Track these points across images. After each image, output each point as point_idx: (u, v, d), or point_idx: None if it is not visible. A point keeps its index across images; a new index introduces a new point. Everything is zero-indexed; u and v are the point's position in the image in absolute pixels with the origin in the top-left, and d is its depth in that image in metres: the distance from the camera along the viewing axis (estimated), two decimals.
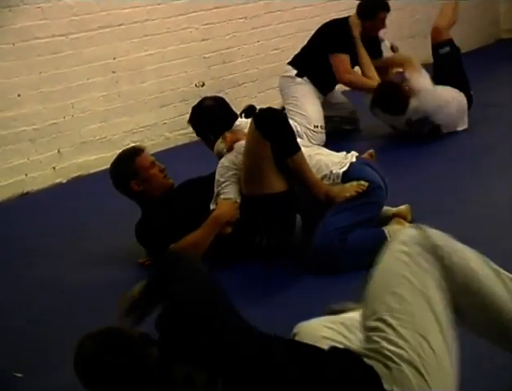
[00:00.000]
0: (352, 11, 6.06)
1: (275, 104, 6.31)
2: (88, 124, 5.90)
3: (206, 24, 6.70)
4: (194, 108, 4.35)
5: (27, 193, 5.53)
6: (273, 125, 3.73)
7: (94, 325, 2.31)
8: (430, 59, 6.21)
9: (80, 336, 2.15)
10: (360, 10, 6.01)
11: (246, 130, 3.94)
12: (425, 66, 6.32)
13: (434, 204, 4.36)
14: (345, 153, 4.05)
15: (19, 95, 5.45)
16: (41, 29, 5.54)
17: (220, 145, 4.10)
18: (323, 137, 5.92)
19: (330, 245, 3.73)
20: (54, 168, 5.71)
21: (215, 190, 3.96)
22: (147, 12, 6.24)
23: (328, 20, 6.21)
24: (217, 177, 3.98)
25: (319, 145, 5.48)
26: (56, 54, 5.65)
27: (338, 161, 3.96)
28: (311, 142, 5.50)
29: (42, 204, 5.29)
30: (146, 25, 6.23)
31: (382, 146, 5.66)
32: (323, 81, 6.03)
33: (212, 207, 3.93)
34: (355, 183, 3.82)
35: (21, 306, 3.70)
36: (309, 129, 5.89)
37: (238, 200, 3.90)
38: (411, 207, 4.08)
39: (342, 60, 5.90)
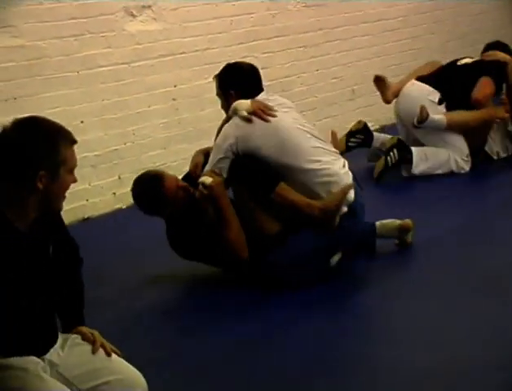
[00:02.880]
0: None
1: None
2: (148, 150, 5.97)
3: (266, 53, 6.75)
4: (227, 64, 4.49)
5: (88, 218, 5.61)
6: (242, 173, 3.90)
7: (147, 348, 2.31)
8: None
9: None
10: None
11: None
12: None
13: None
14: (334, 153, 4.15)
15: (82, 122, 5.55)
16: (105, 57, 5.64)
17: (242, 105, 4.09)
18: (470, 164, 6.05)
19: None
20: (114, 193, 5.79)
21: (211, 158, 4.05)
22: (208, 41, 6.32)
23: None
24: (219, 142, 4.05)
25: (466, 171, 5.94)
26: (119, 81, 5.75)
27: (342, 166, 4.05)
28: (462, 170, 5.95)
29: (103, 229, 5.36)
30: (206, 54, 6.30)
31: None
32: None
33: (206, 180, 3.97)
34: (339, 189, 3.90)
35: None
36: (463, 159, 6.03)
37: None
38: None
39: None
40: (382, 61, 7.72)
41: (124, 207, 5.79)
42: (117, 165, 5.79)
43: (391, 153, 5.88)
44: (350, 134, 6.23)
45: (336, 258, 4.17)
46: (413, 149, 5.96)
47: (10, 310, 2.40)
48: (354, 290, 4.01)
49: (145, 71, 5.90)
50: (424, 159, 5.95)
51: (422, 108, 5.85)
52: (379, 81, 6.22)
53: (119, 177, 5.81)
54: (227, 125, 4.09)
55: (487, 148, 6.21)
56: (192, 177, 4.28)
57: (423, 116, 5.84)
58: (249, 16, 6.60)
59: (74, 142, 2.47)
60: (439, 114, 5.93)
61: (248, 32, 6.60)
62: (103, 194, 5.72)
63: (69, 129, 5.39)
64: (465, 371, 3.04)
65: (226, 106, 4.26)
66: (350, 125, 6.80)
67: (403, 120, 6.11)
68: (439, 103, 5.97)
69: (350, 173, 4.06)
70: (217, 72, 6.24)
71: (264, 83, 6.68)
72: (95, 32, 5.57)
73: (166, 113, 6.06)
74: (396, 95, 6.17)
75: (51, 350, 2.50)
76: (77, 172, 5.49)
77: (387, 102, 6.26)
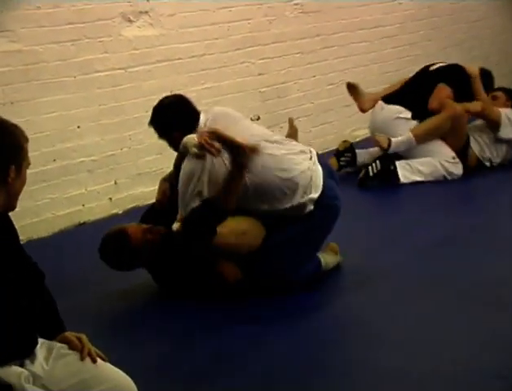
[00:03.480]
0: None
1: (329, 139, 6.36)
2: (144, 156, 5.97)
3: (263, 59, 6.76)
4: (154, 108, 4.36)
5: (84, 223, 5.61)
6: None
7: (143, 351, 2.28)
8: None
9: None
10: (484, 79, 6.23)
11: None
12: None
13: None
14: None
15: (78, 127, 5.55)
16: (102, 62, 5.64)
17: (191, 142, 3.96)
18: (460, 166, 6.05)
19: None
20: (110, 199, 5.79)
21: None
22: (205, 46, 6.32)
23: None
24: (183, 185, 3.95)
25: (458, 175, 5.93)
26: (115, 86, 5.75)
27: (309, 158, 4.04)
28: (452, 174, 5.95)
29: (99, 235, 5.32)
30: (203, 59, 6.31)
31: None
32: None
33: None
34: None
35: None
36: (450, 162, 6.02)
37: None
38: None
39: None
40: (379, 68, 7.74)
41: (120, 212, 5.79)
42: (114, 170, 5.80)
43: (373, 164, 6.01)
44: (339, 154, 6.35)
45: (330, 262, 4.18)
46: (397, 162, 6.03)
47: None
48: (350, 294, 4.02)
49: (142, 76, 5.90)
50: (409, 170, 6.02)
51: (378, 142, 5.95)
52: (351, 89, 6.29)
53: (115, 183, 5.81)
54: (184, 165, 4.00)
55: (478, 155, 6.22)
56: (159, 206, 4.30)
57: (384, 148, 5.94)
58: (246, 22, 6.61)
59: (28, 139, 2.47)
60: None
61: (245, 38, 6.61)
62: (100, 199, 5.72)
63: (66, 134, 5.49)
64: (464, 375, 3.05)
65: (174, 146, 4.24)
66: (346, 131, 6.82)
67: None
68: (413, 118, 6.05)
69: (319, 165, 4.04)
70: (213, 76, 6.35)
71: (261, 89, 6.78)
72: (92, 38, 5.57)
73: None
74: (372, 107, 6.23)
75: (36, 362, 2.44)
76: (73, 177, 5.56)
77: (363, 111, 6.34)
